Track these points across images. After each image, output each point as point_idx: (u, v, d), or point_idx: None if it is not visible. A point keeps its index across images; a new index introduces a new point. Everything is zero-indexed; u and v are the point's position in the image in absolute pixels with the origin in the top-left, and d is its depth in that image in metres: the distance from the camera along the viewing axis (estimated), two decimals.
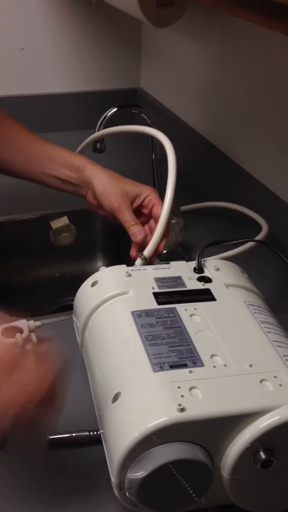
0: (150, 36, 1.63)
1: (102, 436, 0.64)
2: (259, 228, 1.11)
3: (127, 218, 0.84)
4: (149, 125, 1.14)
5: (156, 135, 0.92)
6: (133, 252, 0.86)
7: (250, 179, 1.19)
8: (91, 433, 0.71)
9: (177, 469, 0.56)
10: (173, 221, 1.09)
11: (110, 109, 1.09)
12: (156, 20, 1.20)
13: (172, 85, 1.53)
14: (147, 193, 0.86)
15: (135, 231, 0.84)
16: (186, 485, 0.57)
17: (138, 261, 0.84)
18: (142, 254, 0.84)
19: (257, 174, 1.18)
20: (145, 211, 0.87)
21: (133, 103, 1.63)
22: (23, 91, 1.57)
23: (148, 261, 0.84)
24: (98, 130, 1.07)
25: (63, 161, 0.90)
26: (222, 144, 1.31)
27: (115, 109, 1.09)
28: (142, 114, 1.14)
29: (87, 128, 1.20)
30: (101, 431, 0.64)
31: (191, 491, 0.58)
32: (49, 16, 1.57)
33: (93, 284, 0.76)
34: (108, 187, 0.86)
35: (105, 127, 1.07)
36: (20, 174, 0.94)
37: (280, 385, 0.59)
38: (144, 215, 0.88)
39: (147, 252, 0.84)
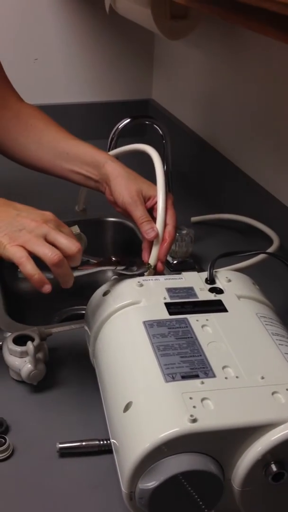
0: (162, 48, 1.64)
1: (112, 446, 0.64)
2: (269, 241, 1.11)
3: (139, 214, 0.84)
4: (162, 136, 1.14)
5: (144, 150, 0.92)
6: (145, 256, 0.86)
7: (261, 192, 1.19)
8: (102, 442, 0.71)
9: (188, 480, 0.55)
10: (184, 231, 1.09)
11: (123, 120, 1.09)
12: (169, 33, 1.21)
13: (184, 96, 1.54)
14: None
15: (147, 228, 0.83)
16: (197, 496, 0.57)
17: (147, 272, 0.84)
18: (149, 264, 0.84)
19: (269, 187, 1.18)
20: (156, 214, 0.86)
21: (145, 114, 1.64)
22: (36, 101, 1.57)
23: (156, 270, 0.84)
24: (111, 141, 1.08)
25: (87, 157, 0.91)
26: (233, 156, 1.31)
27: (128, 120, 1.09)
28: (155, 125, 1.14)
29: (99, 138, 1.21)
30: (112, 440, 0.64)
31: (202, 503, 0.57)
32: (63, 27, 1.58)
33: (105, 293, 0.76)
34: (124, 182, 0.86)
35: (118, 138, 1.08)
36: (47, 171, 0.97)
37: None
38: (155, 219, 0.88)
39: (151, 260, 0.83)
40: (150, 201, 0.86)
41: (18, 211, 0.72)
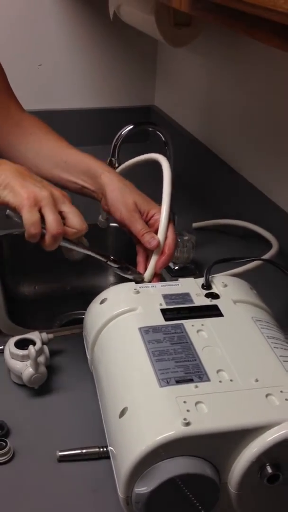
0: (165, 55, 1.64)
1: (110, 452, 0.64)
2: (270, 245, 1.12)
3: (140, 227, 0.85)
4: (164, 143, 1.15)
5: (156, 158, 0.93)
6: (140, 270, 0.87)
7: (262, 197, 1.20)
8: (101, 449, 0.71)
9: (183, 484, 0.56)
10: (185, 237, 1.10)
11: (126, 127, 1.10)
12: (173, 40, 1.22)
13: (186, 103, 1.55)
14: (155, 211, 0.87)
15: (149, 238, 0.84)
16: (193, 500, 0.57)
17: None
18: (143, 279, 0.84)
19: (269, 193, 1.19)
20: (150, 229, 0.87)
21: (147, 120, 1.65)
22: (39, 106, 1.60)
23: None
24: (114, 146, 1.08)
25: (84, 167, 0.92)
26: (235, 162, 1.32)
27: (131, 127, 1.10)
28: (158, 132, 1.15)
29: (102, 144, 1.22)
30: (109, 447, 0.64)
31: (198, 506, 0.58)
32: (67, 33, 1.60)
33: (102, 301, 0.77)
34: (120, 196, 0.87)
35: (121, 144, 1.08)
36: (45, 179, 0.97)
37: (286, 399, 0.60)
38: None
39: (148, 270, 0.84)
40: (144, 215, 0.87)
41: (42, 181, 0.78)
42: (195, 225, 1.25)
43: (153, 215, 0.86)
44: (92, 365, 0.76)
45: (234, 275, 0.88)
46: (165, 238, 0.85)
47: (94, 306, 0.78)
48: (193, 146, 1.47)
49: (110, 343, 0.72)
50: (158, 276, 0.85)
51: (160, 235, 0.84)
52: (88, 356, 0.77)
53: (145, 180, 0.92)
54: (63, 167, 0.94)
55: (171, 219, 0.86)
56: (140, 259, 0.87)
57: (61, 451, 0.72)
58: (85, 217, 0.77)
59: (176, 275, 1.10)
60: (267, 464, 0.57)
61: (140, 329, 0.69)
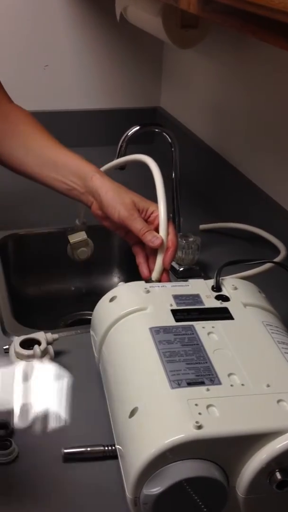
0: (171, 56, 1.65)
1: (118, 451, 0.64)
2: (276, 250, 1.11)
3: (139, 226, 0.84)
4: (170, 144, 1.15)
5: (142, 160, 0.93)
6: (143, 269, 0.86)
7: (269, 201, 1.20)
8: (106, 447, 0.71)
9: (192, 487, 0.56)
10: (190, 239, 1.10)
11: (132, 128, 1.10)
12: (180, 42, 1.22)
13: (192, 105, 1.55)
14: (153, 208, 0.86)
15: (151, 237, 0.83)
16: (201, 503, 0.57)
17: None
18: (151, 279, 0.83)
19: (276, 197, 1.19)
20: (150, 226, 0.86)
21: (153, 121, 1.65)
22: (46, 107, 1.60)
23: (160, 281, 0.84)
24: (120, 147, 1.08)
25: (74, 168, 0.91)
26: (241, 165, 1.31)
27: (137, 128, 1.10)
28: (164, 133, 1.15)
29: (107, 145, 1.22)
30: (117, 446, 0.64)
31: (206, 509, 0.57)
32: (73, 34, 1.60)
33: (111, 299, 0.76)
34: (116, 196, 0.86)
35: (127, 145, 1.08)
36: (32, 176, 0.96)
37: None
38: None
39: (156, 269, 0.83)
40: (143, 213, 0.86)
41: None
42: (202, 227, 1.25)
43: (152, 212, 0.86)
44: (99, 364, 0.75)
45: (242, 277, 0.88)
46: (167, 234, 0.84)
47: (103, 304, 0.77)
48: (199, 147, 1.47)
49: (120, 342, 0.71)
50: (167, 273, 0.84)
51: (162, 232, 0.83)
52: (95, 354, 0.76)
53: (135, 187, 0.92)
54: (52, 166, 0.92)
55: (169, 215, 0.86)
56: (140, 260, 0.87)
57: (66, 448, 0.71)
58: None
59: (181, 276, 1.10)
60: (277, 470, 0.57)
61: (151, 329, 0.69)
